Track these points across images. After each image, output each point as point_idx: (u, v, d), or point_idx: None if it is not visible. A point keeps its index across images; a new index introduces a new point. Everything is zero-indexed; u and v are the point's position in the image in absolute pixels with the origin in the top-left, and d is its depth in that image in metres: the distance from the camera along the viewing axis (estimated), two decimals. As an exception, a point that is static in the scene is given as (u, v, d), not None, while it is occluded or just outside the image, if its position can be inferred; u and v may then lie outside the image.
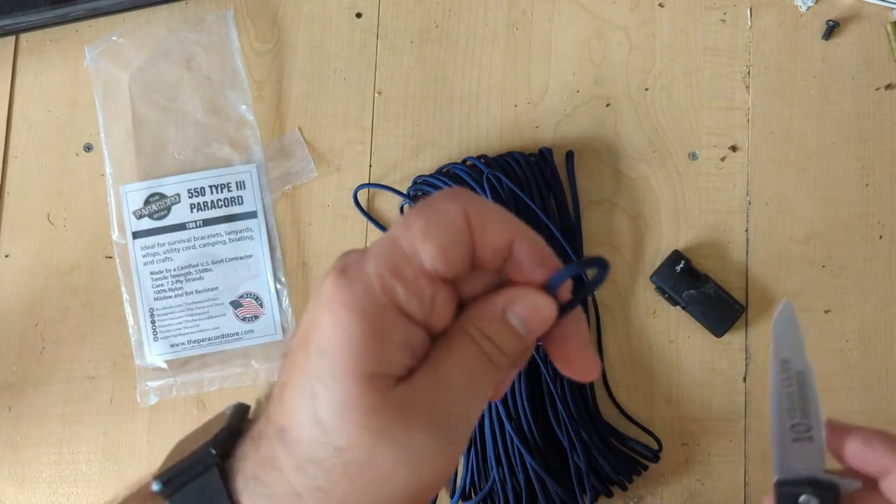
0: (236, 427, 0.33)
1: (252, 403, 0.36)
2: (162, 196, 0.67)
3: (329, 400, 0.29)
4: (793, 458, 0.35)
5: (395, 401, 0.29)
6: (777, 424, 0.35)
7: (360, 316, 0.29)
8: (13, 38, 0.70)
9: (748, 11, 0.69)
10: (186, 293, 0.66)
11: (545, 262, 0.32)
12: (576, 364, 0.33)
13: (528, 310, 0.31)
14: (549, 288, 0.31)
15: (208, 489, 0.32)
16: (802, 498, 0.35)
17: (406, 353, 0.30)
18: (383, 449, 0.29)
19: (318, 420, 0.29)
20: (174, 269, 0.67)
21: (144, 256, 0.67)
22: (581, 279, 0.32)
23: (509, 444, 0.61)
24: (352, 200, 0.68)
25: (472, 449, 0.62)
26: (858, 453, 0.36)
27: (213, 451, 0.32)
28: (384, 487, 0.29)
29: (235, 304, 0.66)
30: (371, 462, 0.29)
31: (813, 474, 0.35)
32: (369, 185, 0.68)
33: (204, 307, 0.66)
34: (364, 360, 0.29)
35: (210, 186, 0.67)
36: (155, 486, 0.33)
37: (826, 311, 0.65)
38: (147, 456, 0.66)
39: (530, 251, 0.31)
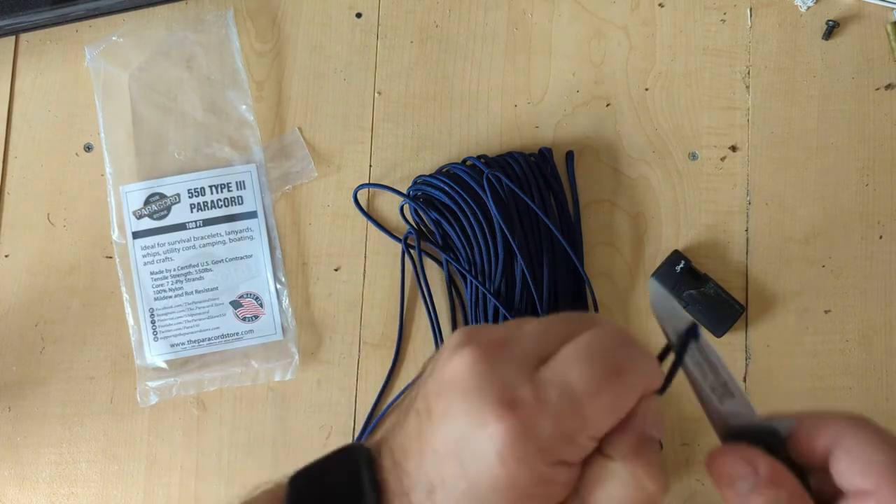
0: (378, 496, 0.33)
1: (362, 453, 0.35)
2: (162, 196, 0.67)
3: None
4: (726, 418, 0.36)
5: None
6: (698, 391, 0.36)
7: (531, 472, 0.30)
8: (13, 38, 0.70)
9: (748, 11, 0.69)
10: (186, 293, 0.66)
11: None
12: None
13: (656, 414, 0.34)
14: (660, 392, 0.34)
15: None
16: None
17: (564, 489, 0.32)
18: None
19: None
20: (174, 269, 0.66)
21: (144, 256, 0.67)
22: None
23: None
24: (352, 200, 0.68)
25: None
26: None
27: None
28: None
29: (235, 304, 0.66)
30: None
31: (747, 422, 0.35)
32: (369, 185, 0.68)
33: (204, 307, 0.66)
34: (527, 502, 0.31)
35: (210, 186, 0.67)
36: None
37: (826, 311, 0.65)
38: (147, 456, 0.66)
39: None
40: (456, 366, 0.32)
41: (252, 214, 0.67)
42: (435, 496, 0.32)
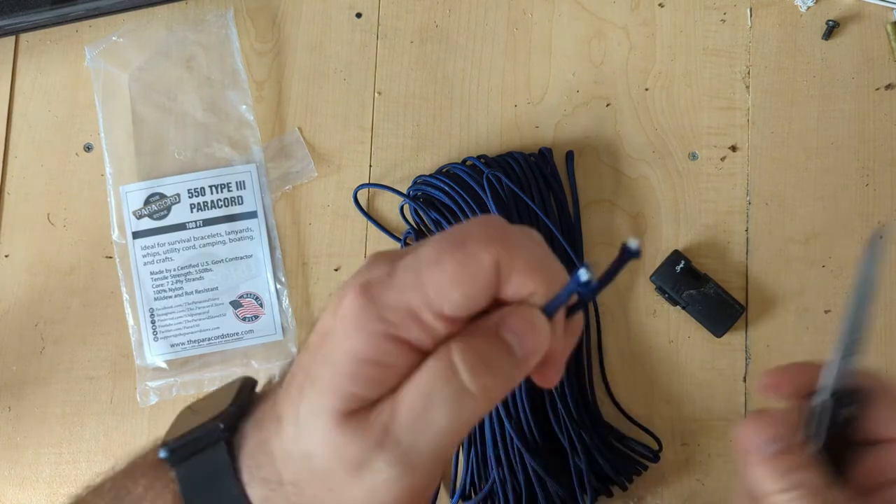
0: (244, 404, 0.34)
1: (248, 380, 0.36)
2: (162, 196, 0.67)
3: (309, 407, 0.30)
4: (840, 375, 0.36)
5: (360, 422, 0.30)
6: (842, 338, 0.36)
7: (368, 343, 0.30)
8: (13, 38, 0.70)
9: (748, 11, 0.69)
10: (186, 293, 0.66)
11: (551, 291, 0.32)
12: (545, 375, 0.33)
13: (524, 324, 0.31)
14: (546, 311, 0.31)
15: (214, 462, 0.32)
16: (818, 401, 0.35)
17: (399, 376, 0.30)
18: (339, 466, 0.30)
19: (297, 421, 0.31)
20: (174, 269, 0.67)
21: (144, 256, 0.67)
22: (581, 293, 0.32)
23: (509, 444, 0.61)
24: (352, 200, 0.68)
25: (472, 449, 0.62)
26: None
27: (222, 426, 0.33)
28: (343, 502, 0.30)
29: (235, 304, 0.66)
30: (330, 477, 0.30)
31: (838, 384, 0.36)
32: (369, 185, 0.68)
33: (204, 307, 0.66)
34: (354, 382, 0.30)
35: (210, 186, 0.67)
36: (161, 454, 0.34)
37: (826, 311, 0.65)
38: (147, 456, 0.66)
39: (545, 292, 0.31)
40: (342, 302, 0.32)
41: (252, 214, 0.67)
42: (290, 384, 0.32)
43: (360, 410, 0.30)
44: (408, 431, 0.30)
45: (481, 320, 0.31)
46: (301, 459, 0.31)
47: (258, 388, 0.36)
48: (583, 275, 0.29)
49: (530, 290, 0.31)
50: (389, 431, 0.30)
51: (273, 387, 0.34)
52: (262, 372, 0.66)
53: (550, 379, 0.33)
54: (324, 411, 0.30)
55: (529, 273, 0.30)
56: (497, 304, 0.31)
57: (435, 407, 0.30)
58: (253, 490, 0.32)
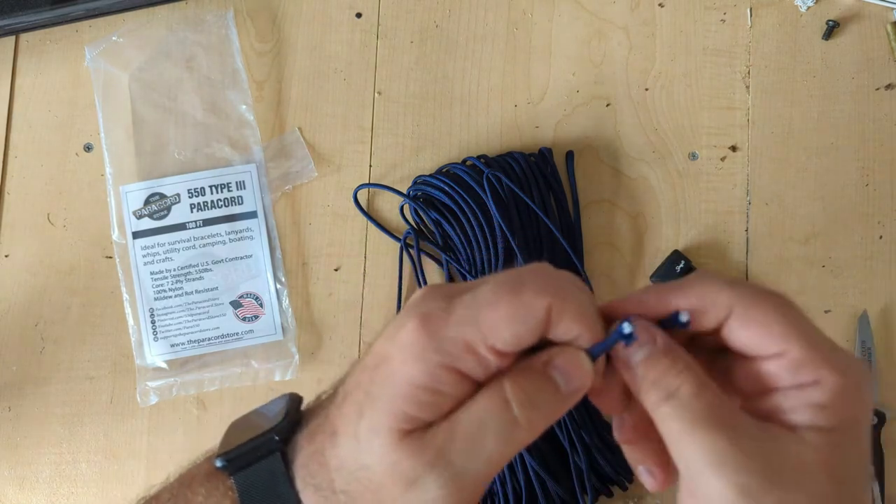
0: (295, 418, 0.37)
1: (294, 396, 0.39)
2: (162, 196, 0.67)
3: (369, 424, 0.33)
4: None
5: (415, 442, 0.33)
6: None
7: (427, 372, 0.32)
8: (13, 38, 0.70)
9: (748, 11, 0.69)
10: (186, 293, 0.66)
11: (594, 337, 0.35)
12: (607, 405, 0.37)
13: (570, 363, 0.34)
14: (590, 353, 0.34)
15: (270, 471, 0.35)
16: None
17: (453, 403, 0.33)
18: (393, 481, 0.33)
19: (356, 436, 0.33)
20: (174, 269, 0.66)
21: (144, 256, 0.67)
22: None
23: (509, 444, 0.61)
24: (352, 200, 0.68)
25: (472, 449, 0.62)
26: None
27: (277, 438, 0.36)
28: None
29: (235, 304, 0.66)
30: (382, 490, 0.33)
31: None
32: (369, 185, 0.68)
33: (204, 307, 0.66)
34: (412, 405, 0.32)
35: (210, 186, 0.67)
36: (218, 463, 0.36)
37: (826, 311, 0.65)
38: (147, 456, 0.66)
39: (588, 336, 0.34)
40: (407, 302, 0.35)
41: (252, 214, 0.67)
42: (345, 402, 0.34)
43: (415, 431, 0.33)
44: (460, 455, 0.32)
45: (531, 358, 0.34)
46: (356, 471, 0.33)
47: (304, 405, 0.39)
48: (626, 328, 0.33)
49: (575, 333, 0.34)
50: (443, 453, 0.32)
51: (324, 401, 0.37)
52: (262, 372, 0.66)
53: (614, 409, 0.36)
54: (383, 429, 0.33)
55: (576, 320, 0.33)
56: (546, 342, 0.34)
57: (487, 435, 0.33)
58: (307, 496, 0.34)
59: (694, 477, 0.31)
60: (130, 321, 0.66)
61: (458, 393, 0.33)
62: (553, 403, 0.34)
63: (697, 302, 0.34)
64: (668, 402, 0.32)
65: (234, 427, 0.39)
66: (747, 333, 0.33)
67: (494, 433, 0.33)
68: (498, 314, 0.32)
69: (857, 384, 0.32)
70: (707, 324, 0.34)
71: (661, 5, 0.69)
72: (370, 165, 0.68)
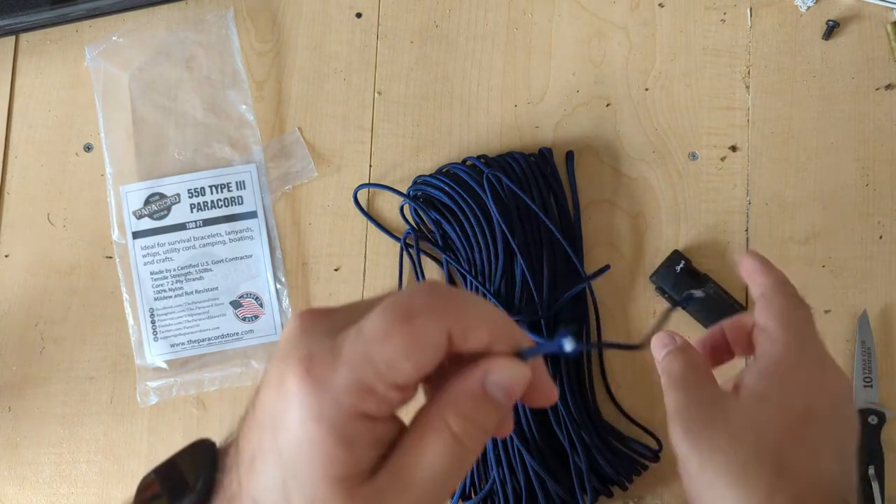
0: (210, 480, 0.33)
1: (207, 460, 0.35)
2: (162, 196, 0.67)
3: (301, 498, 0.30)
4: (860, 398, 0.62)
5: (364, 499, 0.30)
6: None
7: (329, 429, 0.29)
8: (13, 38, 0.70)
9: (748, 11, 0.69)
10: (186, 293, 0.66)
11: (515, 343, 0.33)
12: (539, 396, 0.34)
13: (508, 377, 0.32)
14: (521, 356, 0.32)
15: None
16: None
17: (374, 447, 0.30)
18: None
19: None
20: (174, 269, 0.67)
21: (144, 256, 0.67)
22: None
23: (509, 444, 0.61)
24: (352, 200, 0.68)
25: (472, 449, 0.61)
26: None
27: None
28: None
29: (235, 304, 0.66)
30: None
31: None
32: (369, 185, 0.68)
33: (204, 307, 0.66)
34: (333, 466, 0.29)
35: (210, 186, 0.67)
36: None
37: (826, 311, 0.65)
38: (147, 456, 0.66)
39: (506, 345, 0.32)
40: (281, 336, 0.32)
41: (252, 214, 0.67)
42: (254, 466, 0.31)
43: (354, 481, 0.30)
44: (421, 501, 0.30)
45: (462, 380, 0.32)
46: None
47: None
48: (567, 346, 0.31)
49: (486, 342, 0.32)
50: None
51: (227, 462, 0.33)
52: (261, 372, 0.66)
53: (547, 401, 0.35)
54: (320, 498, 0.30)
55: (486, 330, 0.31)
56: (454, 356, 0.32)
57: (445, 477, 0.31)
58: None
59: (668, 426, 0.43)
60: (130, 321, 0.66)
61: (378, 435, 0.30)
62: (496, 419, 0.32)
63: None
64: (662, 375, 0.45)
65: (148, 479, 0.35)
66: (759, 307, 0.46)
67: (451, 471, 0.31)
68: (392, 348, 0.29)
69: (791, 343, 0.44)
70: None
71: (661, 5, 0.69)
72: (370, 165, 0.68)
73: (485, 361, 0.32)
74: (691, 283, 0.64)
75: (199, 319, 0.66)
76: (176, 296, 0.66)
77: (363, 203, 0.68)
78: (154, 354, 0.66)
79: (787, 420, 0.40)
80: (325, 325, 0.31)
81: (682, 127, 0.68)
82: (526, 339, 0.33)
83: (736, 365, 0.49)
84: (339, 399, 0.29)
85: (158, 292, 0.66)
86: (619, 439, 0.63)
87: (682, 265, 0.64)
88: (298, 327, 0.31)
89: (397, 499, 0.30)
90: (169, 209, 0.67)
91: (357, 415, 0.30)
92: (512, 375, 0.32)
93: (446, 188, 0.64)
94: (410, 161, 0.68)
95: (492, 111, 0.69)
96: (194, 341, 0.66)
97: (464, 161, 0.67)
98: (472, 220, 0.64)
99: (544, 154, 0.67)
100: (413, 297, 0.31)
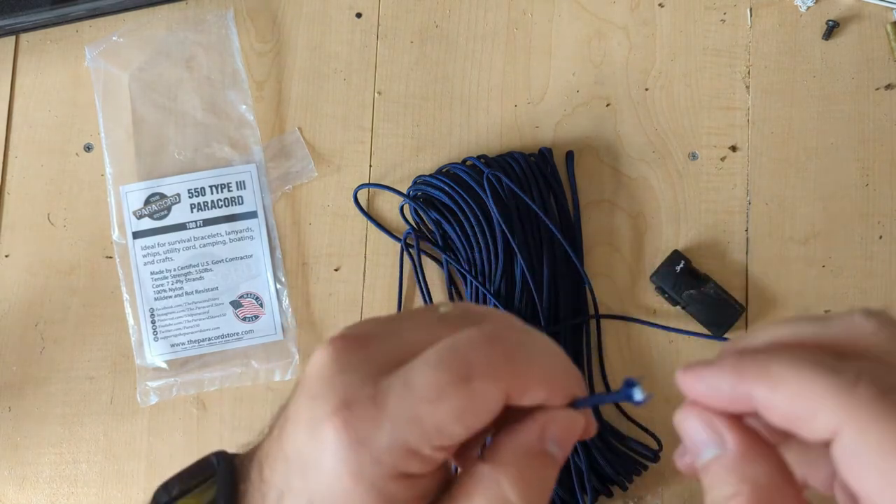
0: (230, 497, 0.31)
1: (226, 481, 0.32)
2: (162, 196, 0.67)
3: None
4: None
5: None
6: None
7: (367, 488, 0.27)
8: (13, 38, 0.70)
9: (748, 11, 0.69)
10: (186, 293, 0.66)
11: (573, 394, 0.30)
12: (582, 433, 0.32)
13: (567, 430, 0.29)
14: (576, 405, 0.31)
15: None
16: None
17: (418, 500, 0.29)
18: None
19: None
20: (174, 269, 0.67)
21: (144, 256, 0.67)
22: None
23: (509, 444, 0.60)
24: (352, 200, 0.68)
25: (472, 449, 0.62)
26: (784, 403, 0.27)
27: None
28: None
29: (235, 304, 0.66)
30: None
31: None
32: (369, 185, 0.68)
33: (204, 307, 0.66)
34: None
35: (210, 186, 0.67)
36: None
37: (826, 311, 0.65)
38: (147, 456, 0.66)
39: (564, 398, 0.30)
40: (311, 365, 0.29)
41: (252, 214, 0.67)
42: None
43: None
44: None
45: (518, 434, 0.29)
46: None
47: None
48: (637, 396, 0.29)
49: (544, 398, 0.29)
50: None
51: (250, 491, 0.31)
52: (262, 372, 0.66)
53: (587, 436, 0.32)
54: None
55: (543, 387, 0.29)
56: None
57: None
58: None
59: None
60: (130, 321, 0.66)
61: (420, 490, 0.28)
62: (553, 476, 0.29)
63: (787, 405, 0.26)
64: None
65: (163, 496, 0.33)
66: (858, 476, 0.25)
67: None
68: (444, 412, 0.27)
69: None
70: (801, 434, 0.26)
71: (661, 5, 0.69)
72: (370, 165, 0.68)
73: (541, 415, 0.29)
74: (691, 283, 0.64)
75: (199, 319, 0.66)
76: (176, 296, 0.66)
77: (363, 203, 0.68)
78: (154, 354, 0.66)
79: None
80: (363, 362, 0.29)
81: (682, 127, 0.68)
82: (583, 386, 0.31)
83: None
84: (380, 458, 0.27)
85: (158, 292, 0.66)
86: (619, 439, 0.63)
87: (682, 265, 0.64)
88: (333, 361, 0.29)
89: None
90: (169, 209, 0.67)
91: (398, 475, 0.28)
92: (571, 429, 0.30)
93: (446, 188, 0.64)
94: (410, 161, 0.68)
95: (492, 111, 0.69)
96: (194, 341, 0.66)
97: (464, 161, 0.67)
98: (472, 220, 0.64)
99: (544, 154, 0.67)
100: (471, 349, 0.28)
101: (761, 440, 0.27)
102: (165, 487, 0.33)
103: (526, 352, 0.29)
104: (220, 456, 0.33)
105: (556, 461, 0.29)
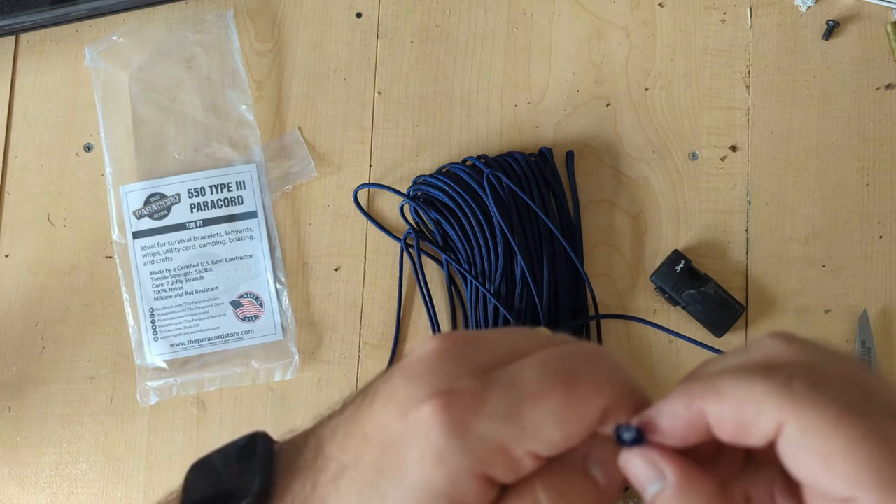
0: (267, 488, 0.31)
1: (266, 454, 0.32)
2: (162, 196, 0.67)
3: None
4: None
5: None
6: None
7: (450, 479, 0.27)
8: (13, 38, 0.70)
9: (748, 11, 0.69)
10: (186, 293, 0.66)
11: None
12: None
13: (609, 453, 0.29)
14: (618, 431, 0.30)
15: None
16: None
17: None
18: None
19: None
20: (174, 269, 0.67)
21: (144, 256, 0.67)
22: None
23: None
24: (352, 200, 0.68)
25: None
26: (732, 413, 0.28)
27: None
28: None
29: (235, 304, 0.66)
30: None
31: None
32: (369, 185, 0.68)
33: (204, 307, 0.66)
34: None
35: (210, 186, 0.67)
36: None
37: (826, 311, 0.65)
38: (147, 456, 0.66)
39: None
40: (417, 350, 0.29)
41: (252, 214, 0.67)
42: (341, 478, 0.29)
43: None
44: None
45: (566, 455, 0.29)
46: None
47: (281, 439, 0.33)
48: (626, 435, 0.29)
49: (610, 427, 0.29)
50: None
51: (306, 458, 0.31)
52: (262, 372, 0.66)
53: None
54: None
55: (633, 409, 0.29)
56: None
57: None
58: None
59: None
60: (130, 321, 0.66)
61: (485, 497, 0.28)
62: (593, 501, 0.28)
63: (734, 413, 0.27)
64: None
65: (197, 474, 0.33)
66: (802, 464, 0.26)
67: None
68: (545, 410, 0.27)
69: None
70: (750, 440, 0.27)
71: (661, 5, 0.69)
72: (370, 165, 0.68)
73: (590, 443, 0.29)
74: (691, 283, 0.64)
75: (199, 319, 0.66)
76: (176, 296, 0.66)
77: (363, 203, 0.68)
78: (154, 354, 0.66)
79: None
80: (471, 356, 0.29)
81: (682, 127, 0.68)
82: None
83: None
84: (471, 449, 0.27)
85: (158, 292, 0.66)
86: (619, 439, 0.63)
87: (682, 265, 0.64)
88: (442, 351, 0.29)
89: None
90: (169, 209, 0.67)
91: (478, 475, 0.27)
92: (614, 454, 0.29)
93: (446, 188, 0.64)
94: (410, 161, 0.68)
95: (492, 111, 0.69)
96: (194, 341, 0.66)
97: (464, 161, 0.67)
98: (472, 220, 0.64)
99: (544, 154, 0.67)
100: (578, 358, 0.28)
101: (698, 469, 0.29)
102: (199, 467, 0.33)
103: (626, 373, 0.29)
104: (261, 435, 0.33)
105: (598, 488, 0.29)
